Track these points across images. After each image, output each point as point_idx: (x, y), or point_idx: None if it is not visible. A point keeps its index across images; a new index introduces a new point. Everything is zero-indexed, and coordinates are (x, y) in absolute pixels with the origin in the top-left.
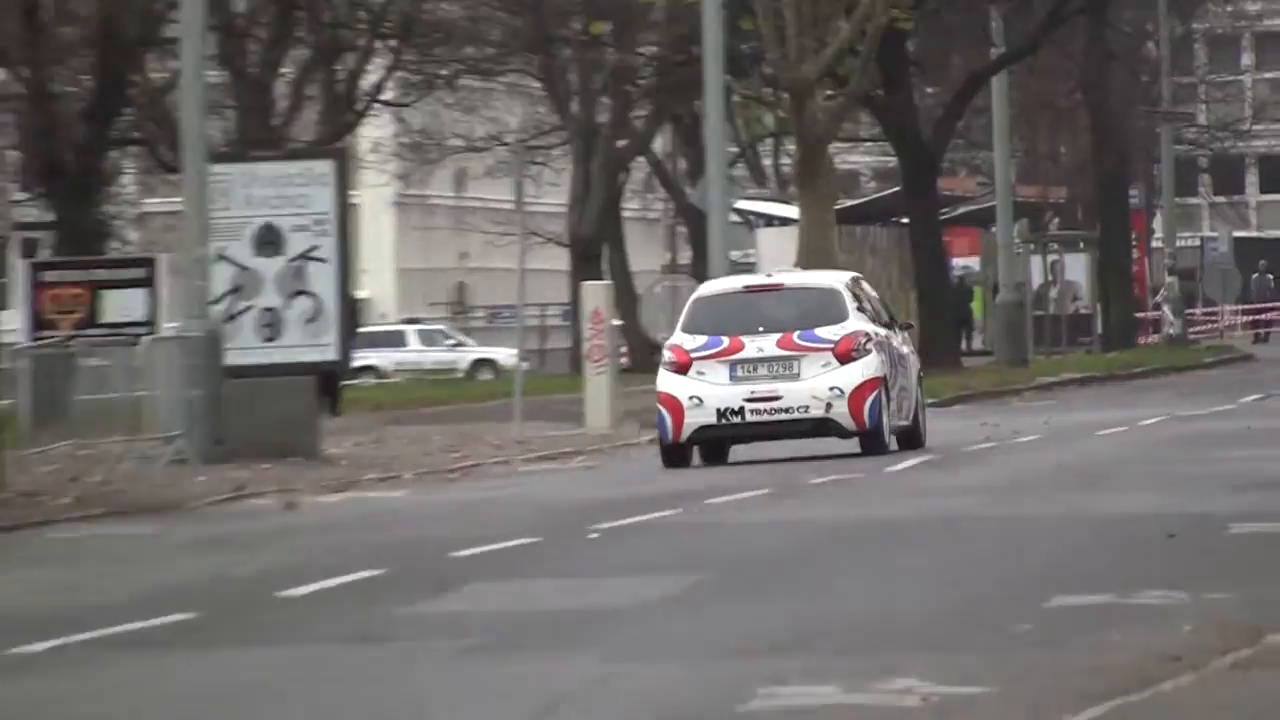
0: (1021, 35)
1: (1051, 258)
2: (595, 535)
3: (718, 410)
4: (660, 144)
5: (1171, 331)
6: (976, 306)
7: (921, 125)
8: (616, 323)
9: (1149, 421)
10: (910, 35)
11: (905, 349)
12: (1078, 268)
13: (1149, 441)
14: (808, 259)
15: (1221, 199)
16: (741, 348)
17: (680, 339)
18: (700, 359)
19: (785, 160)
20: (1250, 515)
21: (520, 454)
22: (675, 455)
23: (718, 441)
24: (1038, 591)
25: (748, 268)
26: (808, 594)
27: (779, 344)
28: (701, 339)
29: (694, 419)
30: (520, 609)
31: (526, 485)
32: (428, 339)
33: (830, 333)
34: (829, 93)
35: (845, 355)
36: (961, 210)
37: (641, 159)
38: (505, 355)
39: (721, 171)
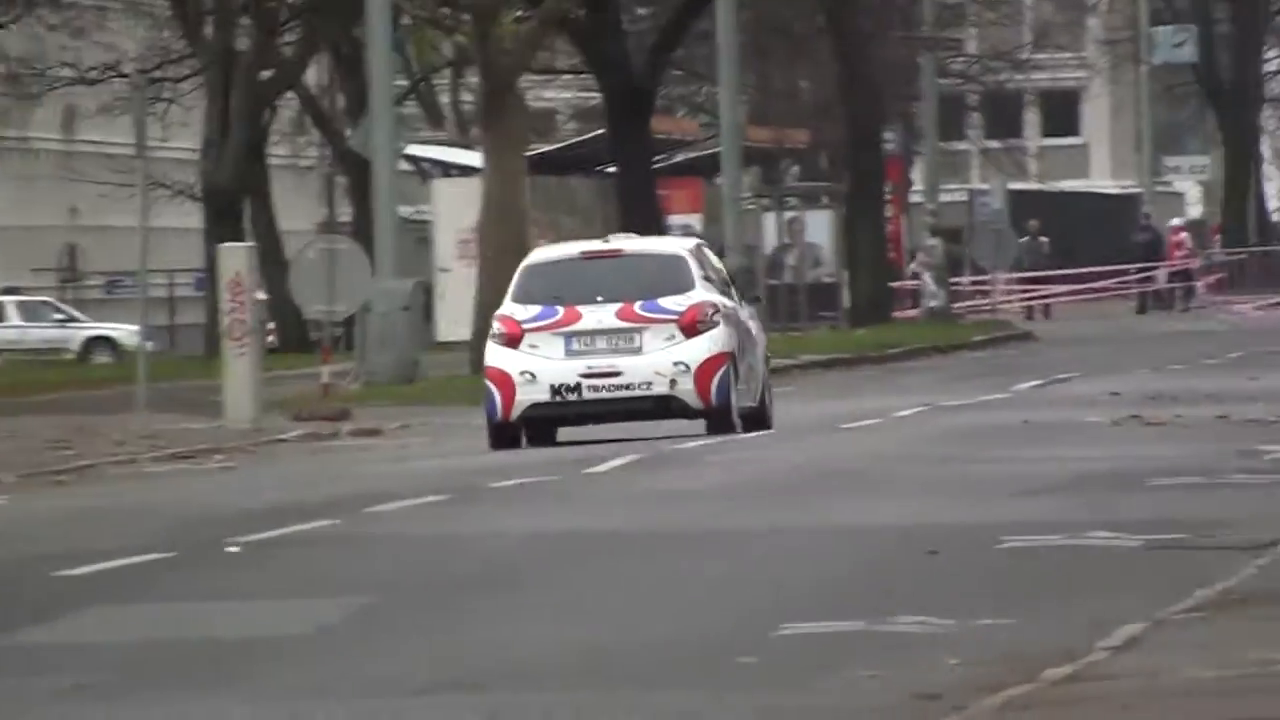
0: None
1: (789, 215)
2: (237, 550)
3: (551, 386)
4: (314, 76)
5: (933, 304)
6: None
7: (631, 54)
8: (261, 294)
9: (906, 413)
10: None
11: (752, 324)
12: (820, 227)
13: (906, 437)
14: (492, 216)
15: (995, 144)
16: (578, 319)
17: (510, 309)
18: (533, 330)
19: (467, 97)
20: (1027, 526)
21: (146, 452)
22: (504, 435)
23: (549, 421)
24: (766, 618)
25: (420, 225)
26: (491, 622)
27: (619, 315)
28: (534, 309)
29: (526, 396)
30: (144, 639)
31: (153, 489)
32: (30, 313)
33: (675, 303)
34: (519, 14)
35: (691, 327)
36: (680, 157)
37: (291, 94)
38: (126, 332)
39: (388, 110)
